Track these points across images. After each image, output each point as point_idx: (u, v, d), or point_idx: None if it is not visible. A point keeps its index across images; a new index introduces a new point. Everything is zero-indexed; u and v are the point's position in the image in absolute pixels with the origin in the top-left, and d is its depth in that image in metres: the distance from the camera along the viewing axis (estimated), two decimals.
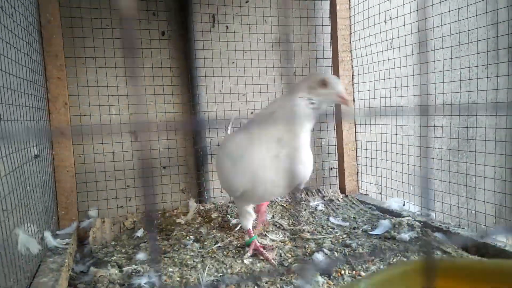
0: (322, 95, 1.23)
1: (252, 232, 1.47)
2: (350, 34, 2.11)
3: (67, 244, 1.45)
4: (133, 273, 1.27)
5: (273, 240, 1.53)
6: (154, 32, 1.97)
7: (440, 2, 2.02)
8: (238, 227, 1.66)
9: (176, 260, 1.37)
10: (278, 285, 1.20)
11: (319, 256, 1.34)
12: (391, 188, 2.00)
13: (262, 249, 1.41)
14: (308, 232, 1.60)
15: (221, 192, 2.08)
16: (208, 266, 1.31)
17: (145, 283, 1.19)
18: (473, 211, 1.67)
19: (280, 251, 1.43)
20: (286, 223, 1.70)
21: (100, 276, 1.25)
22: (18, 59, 1.31)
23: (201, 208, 1.87)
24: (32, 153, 1.40)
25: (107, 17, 1.89)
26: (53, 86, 1.75)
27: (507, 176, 1.68)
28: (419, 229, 1.45)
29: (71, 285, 1.28)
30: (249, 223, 1.48)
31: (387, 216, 1.69)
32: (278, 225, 1.68)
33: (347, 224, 1.67)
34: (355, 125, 2.13)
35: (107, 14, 1.89)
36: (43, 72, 1.71)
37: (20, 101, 1.30)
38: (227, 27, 2.09)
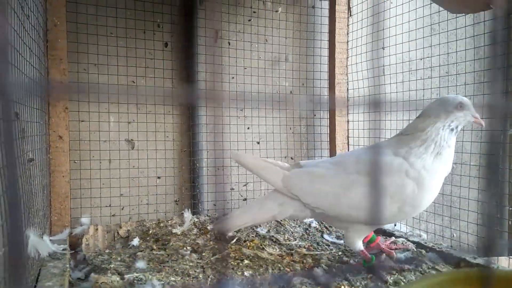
0: (459, 117, 1.31)
1: (367, 253, 1.39)
2: (347, 58, 2.19)
3: (64, 249, 1.43)
4: (135, 281, 1.27)
5: (271, 254, 1.55)
6: (158, 43, 2.00)
7: (430, 35, 2.14)
8: (234, 240, 1.67)
9: (177, 269, 1.37)
10: None
11: (318, 271, 1.37)
12: None
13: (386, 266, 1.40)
14: (304, 247, 1.64)
15: (214, 205, 2.09)
16: (210, 276, 1.32)
17: None
18: (457, 231, 1.74)
19: (279, 265, 1.45)
20: (282, 238, 1.73)
21: (102, 282, 1.24)
22: (31, 60, 1.31)
23: (196, 219, 1.87)
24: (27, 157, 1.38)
25: (113, 25, 1.91)
26: (54, 90, 1.74)
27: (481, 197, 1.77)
28: (414, 249, 1.51)
29: None
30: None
31: (380, 235, 1.74)
32: (274, 240, 1.70)
33: (342, 242, 1.71)
34: (348, 145, 2.20)
35: (113, 22, 1.91)
36: (46, 75, 1.70)
37: (30, 102, 1.30)
38: (229, 43, 2.14)
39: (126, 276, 1.30)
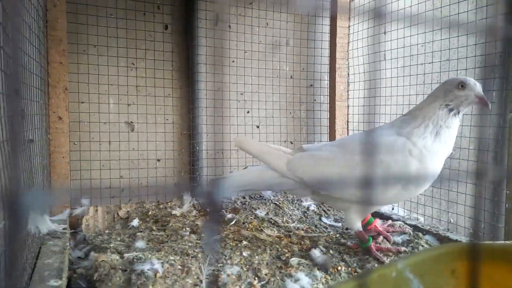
0: (459, 96, 1.29)
1: (365, 235, 1.40)
2: (348, 42, 2.18)
3: (64, 229, 1.44)
4: (135, 260, 1.28)
5: (269, 236, 1.56)
6: (158, 25, 1.99)
7: (432, 20, 2.12)
8: (233, 222, 1.69)
9: (176, 249, 1.38)
10: (278, 277, 1.24)
11: (316, 252, 1.38)
12: None
13: (382, 248, 1.40)
14: (303, 230, 1.65)
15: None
16: (209, 256, 1.33)
17: (148, 269, 1.20)
18: (454, 215, 1.76)
19: (277, 246, 1.47)
20: (280, 220, 1.74)
21: (102, 261, 1.25)
22: (31, 38, 1.30)
23: (195, 201, 1.89)
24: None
25: (113, 7, 1.89)
26: (54, 71, 1.73)
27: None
28: (411, 232, 1.52)
29: (69, 269, 1.28)
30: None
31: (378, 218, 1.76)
32: (272, 222, 1.72)
33: (339, 224, 1.73)
34: (347, 130, 2.20)
35: (113, 3, 1.89)
36: (46, 55, 1.70)
37: (30, 81, 1.30)
38: (229, 27, 2.12)
39: (126, 255, 1.31)
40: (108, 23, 1.89)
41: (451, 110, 1.31)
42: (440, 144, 1.31)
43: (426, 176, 1.29)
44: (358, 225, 1.40)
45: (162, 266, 1.24)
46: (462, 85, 1.29)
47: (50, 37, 1.71)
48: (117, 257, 1.30)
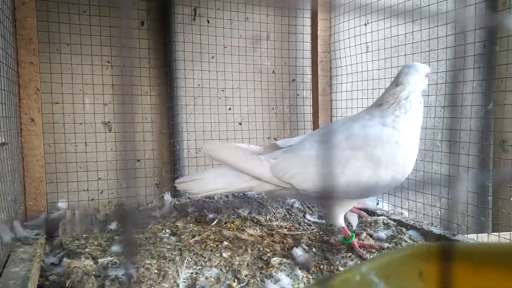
0: (426, 84, 1.43)
1: (348, 231, 1.37)
2: (330, 35, 2.14)
3: (37, 234, 1.39)
4: (109, 265, 1.23)
5: (251, 235, 1.52)
6: (133, 21, 1.93)
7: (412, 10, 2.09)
8: (215, 222, 1.64)
9: (153, 252, 1.34)
10: (258, 278, 1.20)
11: (298, 251, 1.35)
12: None
13: (365, 244, 1.38)
14: (286, 228, 1.61)
15: None
16: (186, 259, 1.29)
17: (122, 275, 1.16)
18: (441, 209, 1.73)
19: (259, 246, 1.43)
20: (263, 218, 1.70)
21: (74, 267, 1.20)
22: None
23: (177, 202, 1.84)
24: None
25: (85, 3, 1.83)
26: (25, 71, 1.67)
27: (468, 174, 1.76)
28: (394, 228, 1.49)
29: (42, 276, 1.23)
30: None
31: (363, 214, 1.73)
32: (255, 221, 1.68)
33: (323, 221, 1.69)
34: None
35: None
36: (15, 56, 1.63)
37: None
38: (208, 21, 2.07)
39: (100, 260, 1.26)
40: (80, 20, 1.83)
41: (413, 92, 1.36)
42: (419, 128, 1.36)
43: (411, 164, 1.32)
44: (341, 221, 1.37)
45: (137, 271, 1.19)
46: (428, 73, 1.41)
47: (19, 37, 1.65)
48: (91, 263, 1.25)
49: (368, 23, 2.09)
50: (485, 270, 0.51)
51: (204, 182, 1.39)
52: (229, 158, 1.38)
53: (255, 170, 1.35)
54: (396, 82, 1.38)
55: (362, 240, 1.40)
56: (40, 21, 1.72)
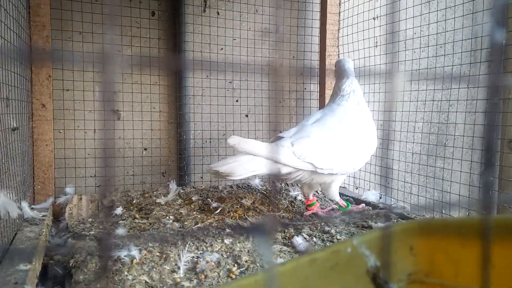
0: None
1: (343, 202, 1.68)
2: (339, 29, 2.14)
3: (44, 216, 1.43)
4: (112, 246, 1.26)
5: (253, 224, 1.54)
6: (144, 11, 1.96)
7: (421, 3, 2.08)
8: (218, 210, 1.66)
9: (156, 236, 1.36)
10: (257, 264, 1.22)
11: (298, 240, 1.36)
12: (369, 181, 2.05)
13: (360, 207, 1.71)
14: (287, 218, 1.63)
15: (201, 177, 2.08)
16: (188, 243, 1.31)
17: (124, 256, 1.19)
18: (446, 205, 1.73)
19: None
20: (266, 209, 1.72)
21: (78, 247, 1.23)
22: (7, 22, 1.27)
23: (182, 191, 1.87)
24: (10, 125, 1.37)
25: None
26: (37, 57, 1.70)
27: (473, 169, 1.75)
28: (395, 220, 1.50)
29: (47, 255, 1.26)
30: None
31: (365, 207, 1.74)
32: (258, 211, 1.70)
33: (324, 215, 1.70)
34: None
35: None
36: (29, 42, 1.67)
37: (10, 67, 1.27)
38: (218, 13, 2.09)
39: (105, 242, 1.29)
40: (93, 9, 1.86)
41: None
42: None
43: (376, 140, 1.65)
44: (338, 195, 1.68)
45: (140, 253, 1.22)
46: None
47: (33, 23, 1.69)
48: (95, 244, 1.28)
49: (376, 17, 2.09)
50: (474, 243, 0.52)
51: (245, 165, 1.45)
52: (255, 149, 1.47)
53: (280, 157, 1.48)
54: (347, 75, 1.67)
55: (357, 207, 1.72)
56: (53, 8, 1.75)
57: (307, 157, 1.49)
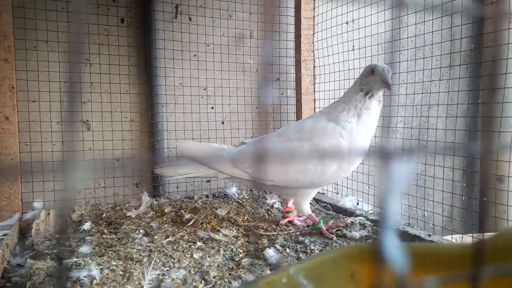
0: (370, 82, 1.40)
1: (315, 217, 1.52)
2: (313, 34, 2.11)
3: (4, 235, 1.36)
4: (73, 266, 1.20)
5: (226, 236, 1.49)
6: (113, 18, 1.90)
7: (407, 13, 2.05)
8: (191, 222, 1.61)
9: (121, 253, 1.30)
10: (226, 280, 1.17)
11: (270, 252, 1.32)
12: (347, 187, 2.01)
13: (331, 226, 1.53)
14: (262, 228, 1.58)
15: (177, 187, 2.03)
16: (154, 260, 1.26)
17: (84, 276, 1.13)
18: (426, 212, 1.70)
19: (232, 246, 1.40)
20: (241, 219, 1.67)
21: (37, 268, 1.17)
22: None
23: (155, 202, 1.81)
24: None
25: (63, 0, 1.80)
26: None
27: (456, 177, 1.72)
28: (370, 228, 1.46)
29: (4, 277, 1.20)
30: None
31: (340, 216, 1.70)
32: (232, 221, 1.65)
33: (301, 224, 1.66)
34: None
35: None
36: None
37: None
38: (190, 19, 2.04)
39: (65, 262, 1.23)
40: (58, 17, 1.80)
41: (366, 93, 1.41)
42: (363, 126, 1.42)
43: (356, 154, 1.42)
44: (306, 209, 1.53)
45: (101, 273, 1.16)
46: (372, 70, 1.38)
47: None
48: (55, 264, 1.22)
49: (351, 21, 2.06)
50: (424, 269, 0.48)
51: (177, 167, 1.54)
52: (199, 153, 1.55)
53: (219, 165, 1.53)
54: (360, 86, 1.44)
55: (329, 224, 1.56)
56: (16, 17, 1.69)
57: (243, 165, 1.48)
